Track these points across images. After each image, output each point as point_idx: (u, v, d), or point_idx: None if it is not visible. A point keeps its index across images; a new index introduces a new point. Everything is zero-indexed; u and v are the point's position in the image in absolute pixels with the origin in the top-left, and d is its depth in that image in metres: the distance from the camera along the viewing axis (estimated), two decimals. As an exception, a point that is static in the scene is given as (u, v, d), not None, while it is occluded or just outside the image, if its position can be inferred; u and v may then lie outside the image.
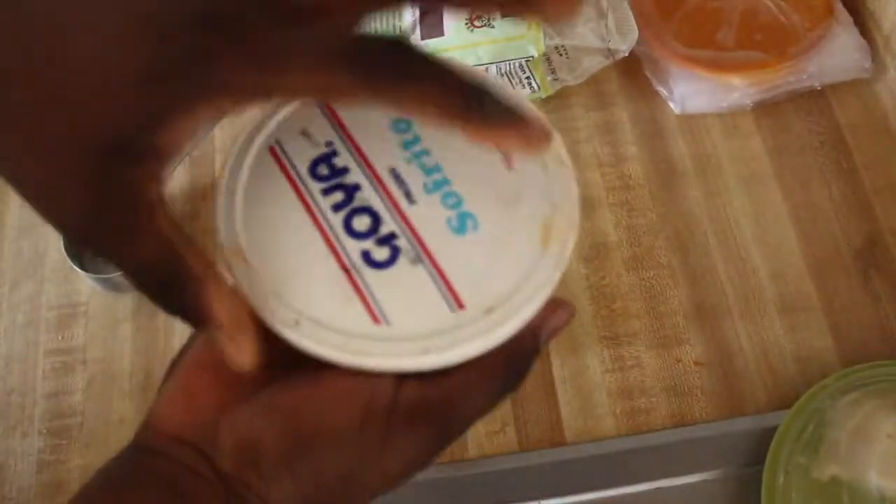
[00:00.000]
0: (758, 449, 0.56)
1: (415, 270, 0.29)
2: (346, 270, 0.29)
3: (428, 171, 0.31)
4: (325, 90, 0.25)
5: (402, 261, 0.29)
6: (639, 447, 0.57)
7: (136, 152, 0.24)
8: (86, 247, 0.26)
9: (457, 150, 0.31)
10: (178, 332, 0.64)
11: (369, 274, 0.29)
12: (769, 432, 0.55)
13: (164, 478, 0.27)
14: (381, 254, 0.29)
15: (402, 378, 0.28)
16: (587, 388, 0.60)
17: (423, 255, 0.29)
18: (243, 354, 0.26)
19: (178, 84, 0.24)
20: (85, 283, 0.66)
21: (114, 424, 0.61)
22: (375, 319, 0.28)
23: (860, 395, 0.55)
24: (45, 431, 0.61)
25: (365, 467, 0.27)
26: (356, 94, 0.25)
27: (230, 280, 0.28)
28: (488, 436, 0.58)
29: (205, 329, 0.26)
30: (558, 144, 0.31)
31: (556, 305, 0.30)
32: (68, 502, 0.27)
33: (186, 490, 0.27)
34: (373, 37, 0.25)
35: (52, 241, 0.68)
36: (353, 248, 0.29)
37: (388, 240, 0.29)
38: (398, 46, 0.25)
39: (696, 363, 0.60)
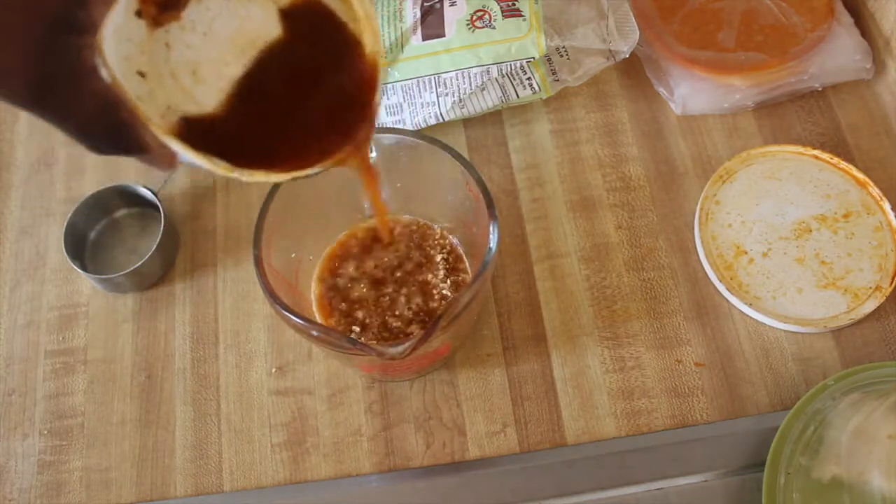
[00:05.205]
0: (758, 450, 0.56)
1: None
2: None
3: None
4: None
5: None
6: (639, 448, 0.57)
7: (76, 24, 0.30)
8: (34, 110, 0.31)
9: None
10: (178, 332, 0.64)
11: None
12: (770, 433, 0.55)
13: None
14: None
15: None
16: (588, 388, 0.60)
17: None
18: (168, 164, 0.36)
19: None
20: (85, 284, 0.66)
21: (114, 425, 0.61)
22: None
23: (861, 395, 0.55)
24: (45, 432, 0.61)
25: None
26: None
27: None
28: (489, 437, 0.58)
29: (141, 155, 0.34)
30: None
31: None
32: None
33: None
34: None
35: (53, 242, 0.68)
36: None
37: None
38: None
39: (696, 364, 0.60)
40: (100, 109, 0.32)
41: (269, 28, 0.40)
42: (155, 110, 0.37)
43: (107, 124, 0.33)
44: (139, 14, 0.36)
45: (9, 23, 0.29)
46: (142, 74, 0.36)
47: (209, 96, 0.39)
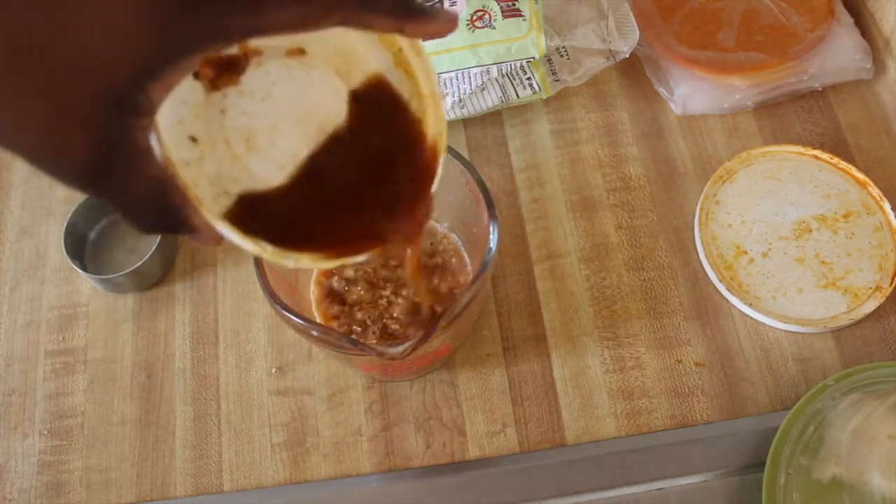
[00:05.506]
0: (758, 450, 0.56)
1: None
2: None
3: None
4: (302, 22, 0.29)
5: None
6: (639, 448, 0.57)
7: (134, 104, 0.28)
8: (85, 191, 0.30)
9: None
10: (178, 332, 0.64)
11: None
12: (770, 433, 0.55)
13: None
14: None
15: None
16: (588, 388, 0.60)
17: None
18: (215, 243, 0.35)
19: (175, 34, 0.28)
20: (85, 284, 0.66)
21: (114, 425, 0.61)
22: None
23: (861, 395, 0.55)
24: (45, 432, 0.61)
25: None
26: (332, 18, 0.30)
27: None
28: (489, 437, 0.58)
29: (188, 234, 0.34)
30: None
31: None
32: None
33: None
34: None
35: (53, 242, 0.68)
36: None
37: None
38: None
39: (696, 364, 0.60)
40: (151, 193, 0.31)
41: (328, 97, 0.38)
42: (203, 178, 0.35)
43: (157, 207, 0.32)
44: (196, 76, 0.35)
45: (67, 102, 0.28)
46: (194, 139, 0.35)
47: (261, 166, 0.37)
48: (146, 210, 0.32)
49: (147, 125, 0.30)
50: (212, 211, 0.35)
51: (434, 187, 0.40)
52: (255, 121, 0.37)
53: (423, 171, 0.39)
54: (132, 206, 0.31)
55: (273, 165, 0.37)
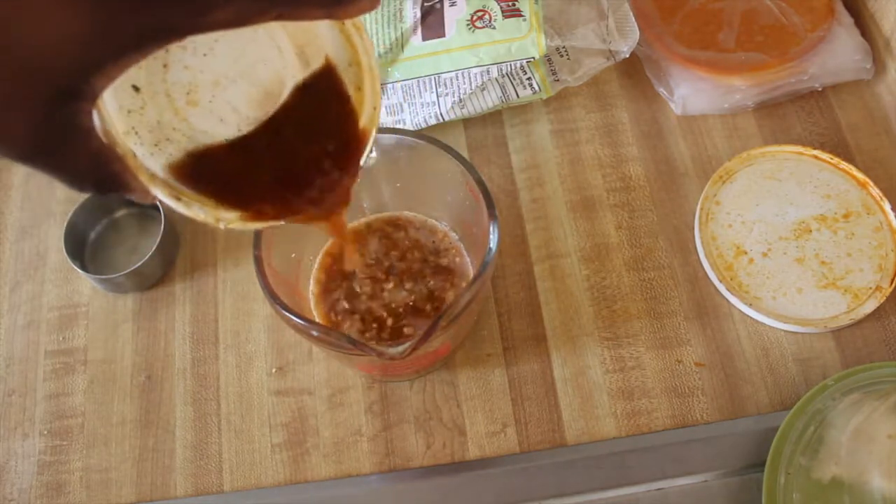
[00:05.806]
0: (758, 450, 0.56)
1: None
2: None
3: None
4: (241, 20, 0.31)
5: None
6: (639, 448, 0.57)
7: (77, 94, 0.30)
8: (30, 166, 0.32)
9: None
10: (179, 332, 0.64)
11: None
12: (770, 433, 0.55)
13: None
14: None
15: None
16: (588, 388, 0.60)
17: None
18: (151, 201, 0.38)
19: (119, 35, 0.29)
20: (85, 284, 0.66)
21: (114, 425, 0.61)
22: None
23: (861, 395, 0.55)
24: (45, 432, 0.61)
25: None
26: (268, 15, 0.31)
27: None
28: (489, 437, 0.58)
29: (128, 195, 0.36)
30: None
31: None
32: None
33: None
34: None
35: (53, 243, 0.68)
36: None
37: None
38: None
39: (696, 364, 0.60)
40: (93, 165, 0.34)
41: (272, 53, 0.39)
42: (144, 125, 0.37)
43: (98, 176, 0.34)
44: None
45: (12, 94, 0.29)
46: (136, 88, 0.36)
47: (202, 120, 0.38)
48: (88, 179, 0.34)
49: (90, 109, 0.31)
50: (152, 166, 0.37)
51: (363, 161, 0.42)
52: (197, 76, 0.38)
53: (349, 154, 0.42)
54: (74, 176, 0.34)
55: (213, 119, 0.39)
